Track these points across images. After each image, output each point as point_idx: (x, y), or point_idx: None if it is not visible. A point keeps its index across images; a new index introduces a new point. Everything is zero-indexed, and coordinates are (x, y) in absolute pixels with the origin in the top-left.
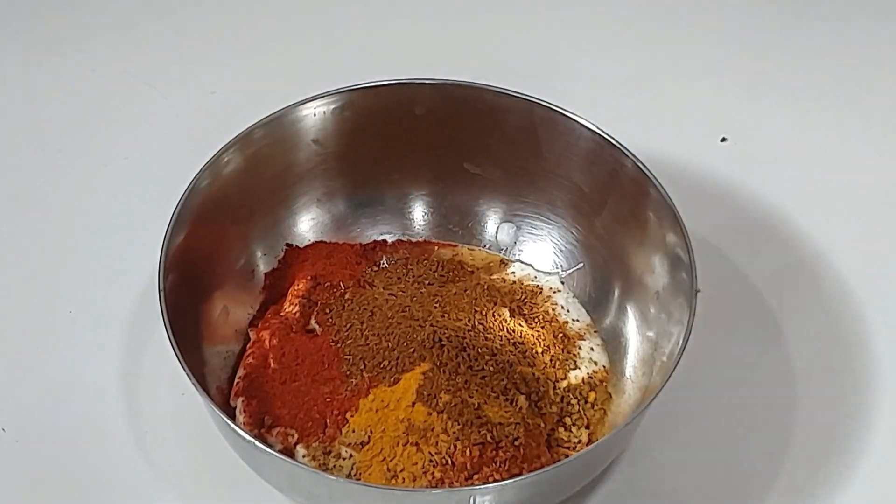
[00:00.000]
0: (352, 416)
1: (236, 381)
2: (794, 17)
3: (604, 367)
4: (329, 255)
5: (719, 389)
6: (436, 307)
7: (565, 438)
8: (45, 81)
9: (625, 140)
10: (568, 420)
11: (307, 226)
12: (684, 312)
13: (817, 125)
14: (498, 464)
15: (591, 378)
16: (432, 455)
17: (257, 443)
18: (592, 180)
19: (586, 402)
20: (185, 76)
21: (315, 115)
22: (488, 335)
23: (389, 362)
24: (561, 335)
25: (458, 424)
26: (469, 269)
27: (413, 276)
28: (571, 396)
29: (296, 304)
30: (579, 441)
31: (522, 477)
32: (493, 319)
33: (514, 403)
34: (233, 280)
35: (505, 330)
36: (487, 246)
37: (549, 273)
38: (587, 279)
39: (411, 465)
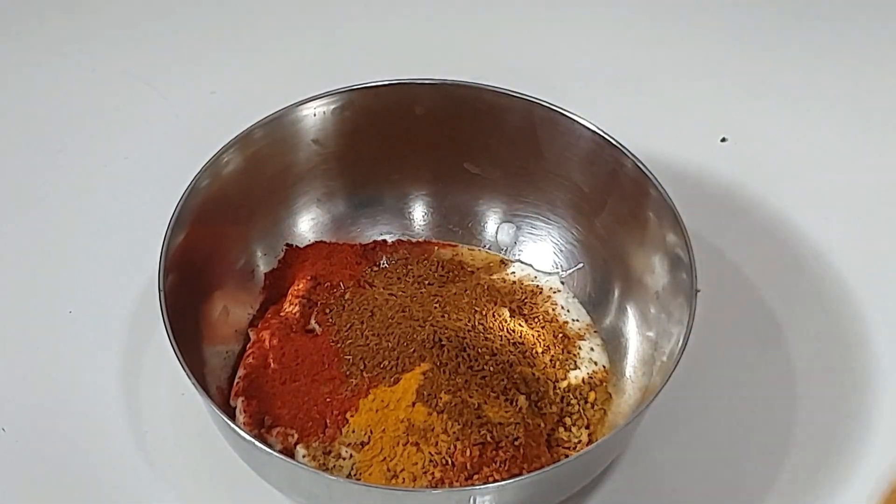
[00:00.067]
0: (352, 416)
1: (236, 381)
2: (794, 17)
3: (604, 367)
4: (329, 255)
5: (719, 389)
6: (436, 307)
7: (565, 438)
8: (45, 81)
9: (625, 140)
10: (568, 420)
11: (307, 226)
12: (684, 312)
13: (817, 125)
14: (498, 464)
15: (591, 378)
16: (432, 455)
17: (257, 443)
18: (592, 180)
19: (586, 402)
20: (185, 76)
21: (315, 115)
22: (488, 335)
23: (389, 362)
24: (561, 335)
25: (458, 424)
26: (469, 269)
27: (413, 276)
28: (571, 396)
29: (296, 304)
30: (579, 441)
31: (522, 477)
32: (493, 319)
33: (514, 403)
34: (233, 280)
35: (505, 330)
36: (487, 246)
37: (549, 273)
38: (587, 279)
39: (411, 465)
